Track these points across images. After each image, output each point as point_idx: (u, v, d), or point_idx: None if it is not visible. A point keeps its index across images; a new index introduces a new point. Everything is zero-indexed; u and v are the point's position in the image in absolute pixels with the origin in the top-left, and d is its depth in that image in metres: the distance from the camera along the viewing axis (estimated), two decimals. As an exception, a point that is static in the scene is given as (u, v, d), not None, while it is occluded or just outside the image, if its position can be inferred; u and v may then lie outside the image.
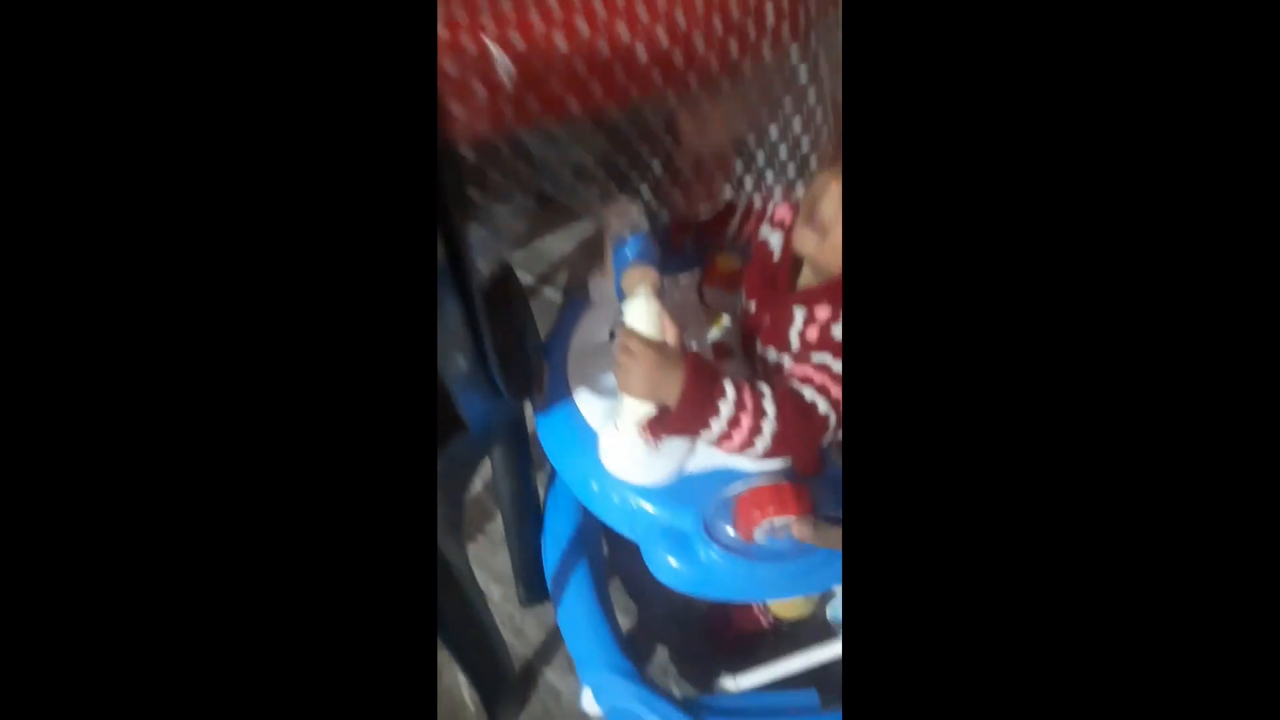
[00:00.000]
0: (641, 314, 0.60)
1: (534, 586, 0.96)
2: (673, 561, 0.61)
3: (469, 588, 0.78)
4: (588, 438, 0.66)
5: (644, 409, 0.59)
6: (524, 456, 0.91)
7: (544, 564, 0.86)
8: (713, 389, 0.57)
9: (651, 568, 0.63)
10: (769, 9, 0.50)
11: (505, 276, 0.67)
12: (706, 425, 0.58)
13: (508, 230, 0.55)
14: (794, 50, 0.55)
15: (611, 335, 0.71)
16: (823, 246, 0.61)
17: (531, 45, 0.45)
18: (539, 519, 0.95)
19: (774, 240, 0.70)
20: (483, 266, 0.54)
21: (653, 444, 0.61)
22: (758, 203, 0.73)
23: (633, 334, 0.59)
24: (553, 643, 0.94)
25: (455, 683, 0.89)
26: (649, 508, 0.63)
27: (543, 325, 1.27)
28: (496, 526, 1.03)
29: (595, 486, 0.65)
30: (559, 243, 1.41)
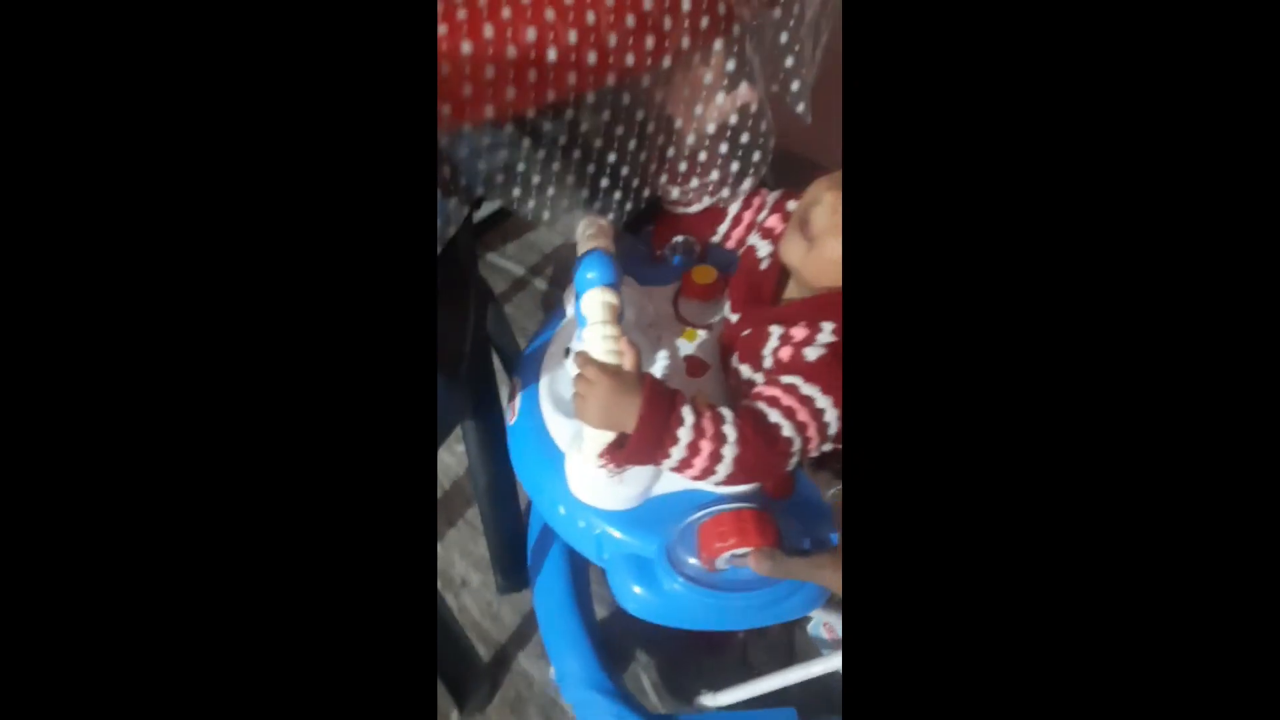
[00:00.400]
0: (598, 339, 0.59)
1: (510, 574, 0.98)
2: (637, 590, 0.61)
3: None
4: (555, 458, 0.65)
5: (604, 436, 0.58)
6: (499, 445, 0.92)
7: (529, 571, 0.85)
8: (670, 416, 0.56)
9: (617, 595, 0.62)
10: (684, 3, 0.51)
11: (453, 258, 0.68)
12: (666, 454, 0.56)
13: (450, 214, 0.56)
14: (718, 45, 0.55)
15: (567, 353, 0.70)
16: (809, 257, 0.60)
17: (440, 54, 0.46)
18: (515, 508, 0.97)
19: (762, 249, 0.69)
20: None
21: (615, 471, 0.60)
22: (748, 211, 0.72)
23: (589, 361, 0.58)
24: (527, 629, 0.96)
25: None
26: (614, 533, 0.62)
27: (532, 318, 1.29)
28: (475, 512, 1.05)
29: (561, 510, 0.65)
30: (550, 235, 1.42)
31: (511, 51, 0.47)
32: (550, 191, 0.58)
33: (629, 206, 0.64)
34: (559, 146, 0.54)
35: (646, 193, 0.64)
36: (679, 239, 0.77)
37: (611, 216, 0.65)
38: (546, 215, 0.59)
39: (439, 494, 1.08)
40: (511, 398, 0.73)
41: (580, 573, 0.83)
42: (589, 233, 0.65)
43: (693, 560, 0.59)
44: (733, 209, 0.72)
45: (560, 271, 1.36)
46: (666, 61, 0.52)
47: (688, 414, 0.56)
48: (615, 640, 0.87)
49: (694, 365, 0.70)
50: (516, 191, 0.57)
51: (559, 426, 0.66)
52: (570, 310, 0.73)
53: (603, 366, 0.57)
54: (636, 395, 0.56)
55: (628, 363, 0.58)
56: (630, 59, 0.51)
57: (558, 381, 0.69)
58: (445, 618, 0.83)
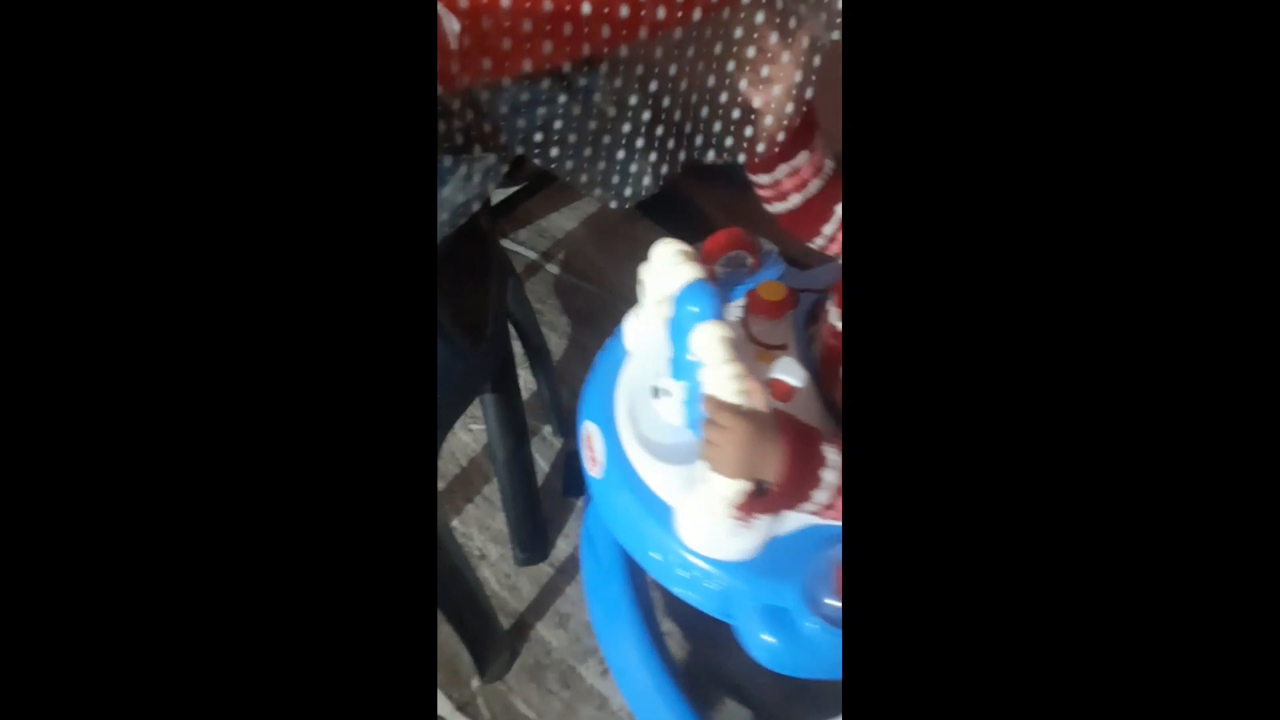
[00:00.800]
0: (723, 380, 0.54)
1: (529, 547, 1.00)
2: (771, 640, 0.57)
3: (449, 544, 0.82)
4: (658, 511, 0.60)
5: (736, 486, 0.53)
6: (518, 418, 0.94)
7: (591, 617, 0.81)
8: (815, 458, 0.52)
9: (748, 648, 0.58)
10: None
11: (473, 231, 0.70)
12: (808, 498, 0.53)
13: (471, 185, 0.57)
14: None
15: (655, 393, 0.65)
16: None
17: (476, 5, 0.48)
18: (533, 481, 0.99)
19: None
20: (446, 218, 0.57)
21: (746, 522, 0.56)
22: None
23: (721, 406, 0.53)
24: (544, 599, 0.98)
25: (451, 634, 0.93)
26: (740, 584, 0.58)
27: (545, 304, 1.30)
28: (494, 489, 1.07)
29: (679, 570, 0.60)
30: (563, 220, 1.44)
31: (548, 5, 0.49)
32: (587, 152, 0.60)
33: (664, 170, 0.66)
34: (595, 103, 0.56)
35: (683, 156, 0.65)
36: (733, 253, 0.72)
37: (648, 180, 0.66)
38: (584, 179, 0.61)
39: (457, 471, 1.09)
40: (579, 442, 0.68)
41: (653, 621, 0.78)
42: (676, 261, 0.61)
43: (831, 601, 0.56)
44: (838, 208, 0.63)
45: (572, 257, 1.37)
46: (697, 14, 0.54)
47: (830, 453, 0.53)
48: (701, 689, 0.83)
49: (779, 390, 0.64)
50: (554, 151, 0.59)
51: (660, 476, 0.60)
52: (633, 342, 0.70)
53: (736, 411, 0.53)
54: (777, 439, 0.52)
55: (758, 402, 0.54)
56: (661, 12, 0.53)
57: (648, 425, 0.63)
58: (472, 587, 0.84)
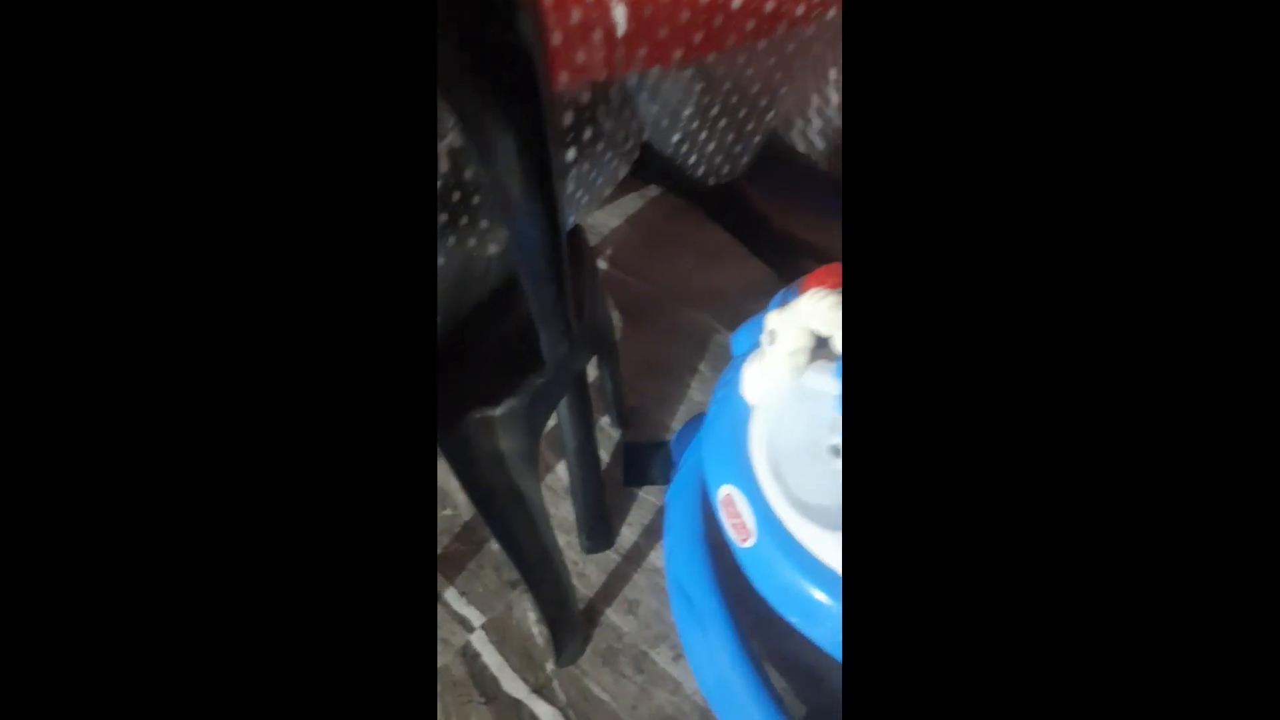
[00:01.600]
0: None
1: (596, 535, 1.01)
2: None
3: (542, 522, 0.83)
4: (827, 581, 0.56)
5: None
6: (588, 409, 0.96)
7: (684, 643, 0.79)
8: None
9: None
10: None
11: (579, 232, 0.72)
12: None
13: (596, 188, 0.60)
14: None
15: (836, 451, 0.61)
16: None
17: (642, -4, 0.50)
18: (599, 473, 1.00)
19: None
20: (571, 215, 0.59)
21: None
22: None
23: None
24: (613, 585, 0.99)
25: (525, 617, 0.94)
26: None
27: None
28: (556, 478, 1.08)
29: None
30: (607, 217, 1.46)
31: (705, -3, 0.51)
32: (703, 136, 0.62)
33: (746, 158, 0.68)
34: (722, 92, 0.58)
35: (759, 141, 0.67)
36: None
37: (746, 160, 0.68)
38: (693, 160, 0.63)
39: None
40: (716, 506, 0.66)
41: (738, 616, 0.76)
42: (833, 309, 0.58)
43: None
44: None
45: (619, 253, 1.40)
46: (831, 13, 0.56)
47: None
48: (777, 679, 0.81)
49: None
50: (676, 137, 0.61)
51: (827, 543, 0.56)
52: (757, 395, 0.66)
53: None
54: None
55: None
56: (800, 9, 0.55)
57: (811, 489, 0.59)
58: (559, 571, 0.85)
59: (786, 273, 1.30)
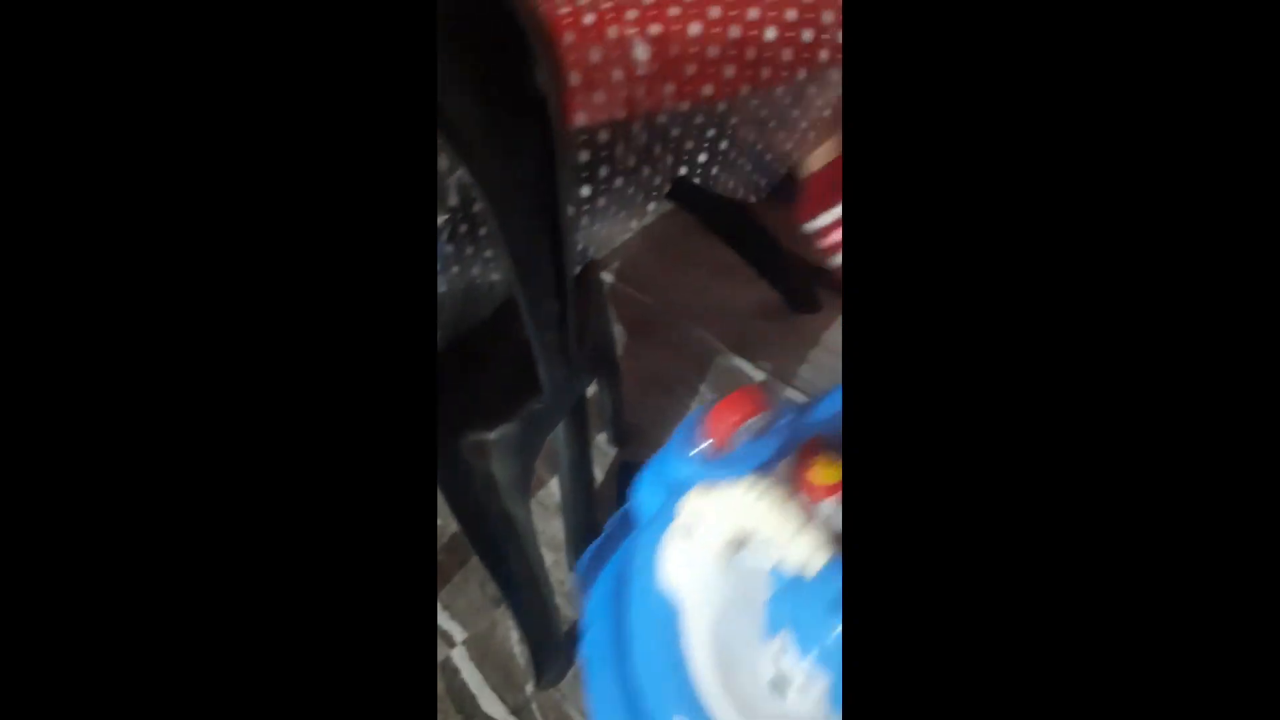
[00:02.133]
0: None
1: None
2: None
3: (530, 546, 0.82)
4: None
5: None
6: (585, 429, 0.94)
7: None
8: None
9: None
10: None
11: (588, 263, 0.71)
12: None
13: (617, 222, 0.58)
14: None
15: (776, 685, 0.54)
16: None
17: (668, 31, 0.49)
18: (592, 491, 0.99)
19: None
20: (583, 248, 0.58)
21: None
22: None
23: None
24: (598, 609, 0.98)
25: (508, 636, 0.93)
26: None
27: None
28: (547, 495, 1.07)
29: None
30: (618, 231, 1.45)
31: (734, 32, 0.50)
32: (740, 161, 0.61)
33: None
34: (761, 120, 0.57)
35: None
36: (752, 419, 0.64)
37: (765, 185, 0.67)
38: (731, 183, 0.62)
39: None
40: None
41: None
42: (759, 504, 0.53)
43: None
44: None
45: (627, 266, 1.38)
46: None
47: None
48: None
49: None
50: (715, 170, 0.60)
51: None
52: (686, 586, 0.59)
53: None
54: None
55: None
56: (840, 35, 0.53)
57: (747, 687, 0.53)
58: (543, 592, 0.84)
59: (795, 298, 1.28)
